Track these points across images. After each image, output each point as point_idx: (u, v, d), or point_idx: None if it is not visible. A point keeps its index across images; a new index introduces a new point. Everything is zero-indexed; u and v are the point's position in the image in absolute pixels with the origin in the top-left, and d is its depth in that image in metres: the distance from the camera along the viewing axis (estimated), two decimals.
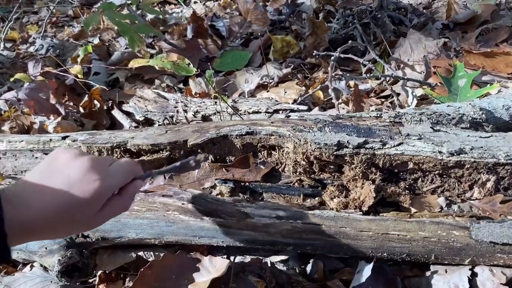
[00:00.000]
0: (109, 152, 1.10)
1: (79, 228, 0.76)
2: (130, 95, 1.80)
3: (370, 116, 1.06)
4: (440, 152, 0.94)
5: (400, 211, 0.97)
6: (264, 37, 2.20)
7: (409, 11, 2.20)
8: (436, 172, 0.99)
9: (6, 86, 2.14)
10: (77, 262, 1.02)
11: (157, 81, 1.98)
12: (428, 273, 0.98)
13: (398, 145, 0.96)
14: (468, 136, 0.97)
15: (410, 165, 0.98)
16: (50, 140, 1.16)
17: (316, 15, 2.39)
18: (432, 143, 0.95)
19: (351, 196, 0.98)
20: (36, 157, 1.17)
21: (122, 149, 1.10)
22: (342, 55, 1.72)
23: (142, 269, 0.99)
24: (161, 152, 1.10)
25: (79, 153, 0.74)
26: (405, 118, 1.04)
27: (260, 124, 1.07)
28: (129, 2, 2.06)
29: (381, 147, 0.96)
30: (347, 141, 0.97)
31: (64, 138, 1.15)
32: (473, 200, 0.98)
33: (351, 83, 1.71)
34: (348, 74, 1.73)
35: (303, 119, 1.07)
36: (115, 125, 1.76)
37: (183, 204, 1.01)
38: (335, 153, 0.98)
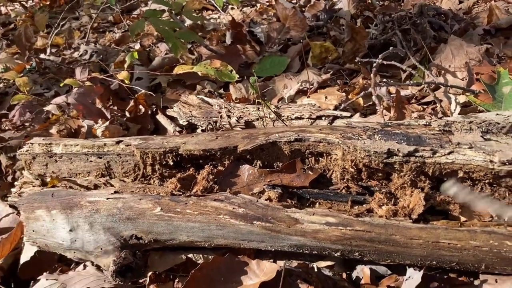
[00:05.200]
0: (162, 156, 1.14)
1: None
2: (173, 100, 1.85)
3: (419, 124, 1.06)
4: (491, 161, 0.94)
5: (449, 219, 0.98)
6: (302, 43, 2.21)
7: (449, 17, 2.18)
8: (486, 181, 0.99)
9: (53, 90, 2.22)
10: (131, 263, 1.06)
11: (198, 87, 2.02)
12: (477, 282, 0.98)
13: (449, 153, 0.96)
14: None
15: (460, 174, 0.98)
16: (105, 144, 1.20)
17: (354, 21, 2.39)
18: (483, 152, 0.95)
19: (400, 204, 0.99)
20: (91, 161, 1.21)
21: (174, 153, 1.14)
22: (384, 62, 1.72)
23: (193, 271, 1.02)
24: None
25: None
26: (455, 127, 1.03)
27: (308, 131, 1.09)
28: (171, 9, 2.10)
29: (431, 155, 0.97)
30: (397, 149, 0.98)
31: (118, 142, 1.19)
32: None
33: (391, 89, 1.71)
34: (392, 81, 1.73)
35: (351, 126, 1.08)
36: (159, 129, 1.81)
37: (234, 208, 1.03)
38: (384, 161, 0.99)
